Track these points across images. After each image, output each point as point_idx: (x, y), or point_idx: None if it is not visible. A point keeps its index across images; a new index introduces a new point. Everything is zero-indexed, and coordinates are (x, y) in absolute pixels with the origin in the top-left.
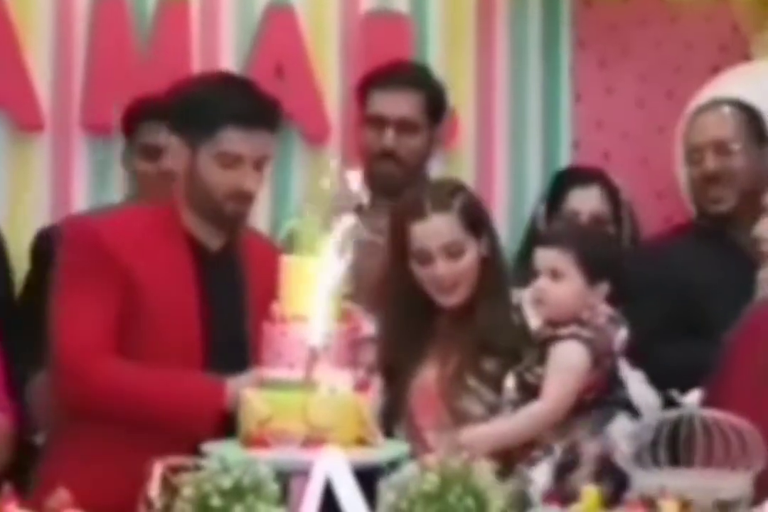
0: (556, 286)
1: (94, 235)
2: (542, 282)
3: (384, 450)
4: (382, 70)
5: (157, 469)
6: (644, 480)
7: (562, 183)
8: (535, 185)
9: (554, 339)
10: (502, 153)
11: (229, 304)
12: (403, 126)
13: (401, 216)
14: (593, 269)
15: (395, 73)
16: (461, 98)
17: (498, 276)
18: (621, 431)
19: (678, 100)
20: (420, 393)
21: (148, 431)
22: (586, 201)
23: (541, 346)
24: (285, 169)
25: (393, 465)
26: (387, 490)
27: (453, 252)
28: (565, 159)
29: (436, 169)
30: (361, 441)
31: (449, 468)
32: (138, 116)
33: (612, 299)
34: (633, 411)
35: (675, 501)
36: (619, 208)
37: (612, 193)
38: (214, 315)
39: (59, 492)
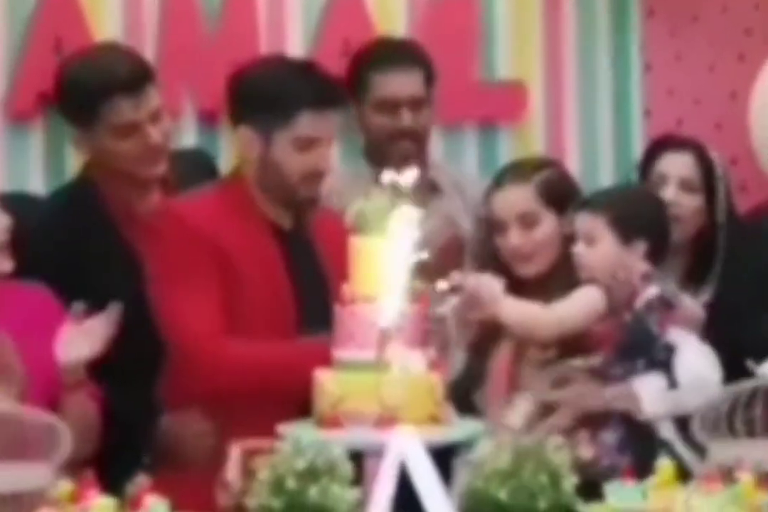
0: (591, 250)
1: (190, 222)
2: (578, 247)
3: (457, 428)
4: (376, 51)
5: (235, 452)
6: (721, 451)
7: (656, 149)
8: (607, 156)
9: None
10: (573, 124)
11: (311, 281)
12: (416, 103)
13: (487, 188)
14: (627, 229)
15: (393, 52)
16: (530, 71)
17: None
18: (651, 387)
19: (750, 63)
20: (498, 366)
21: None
22: (675, 166)
23: None
24: (353, 149)
25: (467, 443)
26: (462, 469)
27: (527, 222)
28: (637, 128)
29: (507, 145)
30: (435, 420)
31: (523, 446)
32: (102, 94)
33: (651, 256)
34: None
35: (752, 472)
36: (713, 180)
37: (706, 164)
38: (302, 292)
39: (139, 478)
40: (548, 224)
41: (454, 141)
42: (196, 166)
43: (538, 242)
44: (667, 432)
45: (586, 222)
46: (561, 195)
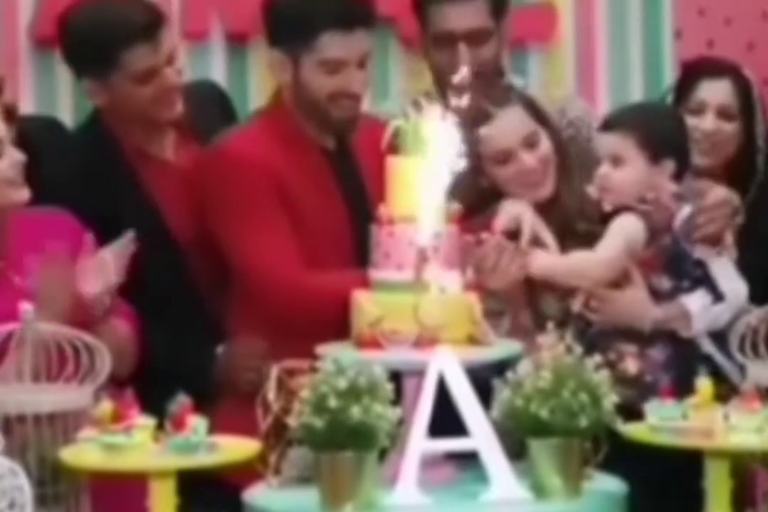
0: (618, 171)
1: (247, 158)
2: (604, 169)
3: (496, 348)
4: None
5: (274, 372)
6: (759, 371)
7: (691, 74)
8: (637, 77)
9: (613, 214)
10: (603, 45)
11: (360, 203)
12: (475, 37)
13: (469, 125)
14: (655, 149)
15: None
16: None
17: (572, 165)
18: (698, 305)
19: None
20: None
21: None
22: (715, 93)
23: (603, 225)
24: (384, 72)
25: (508, 363)
26: (502, 388)
27: (531, 142)
28: (667, 49)
29: (537, 65)
30: (473, 340)
31: (563, 365)
32: (120, 43)
33: (678, 176)
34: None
35: None
36: (752, 104)
37: (745, 88)
38: (355, 215)
39: (181, 398)
40: (545, 140)
41: None
42: (205, 100)
43: (546, 159)
44: (708, 346)
45: (612, 143)
46: (539, 109)
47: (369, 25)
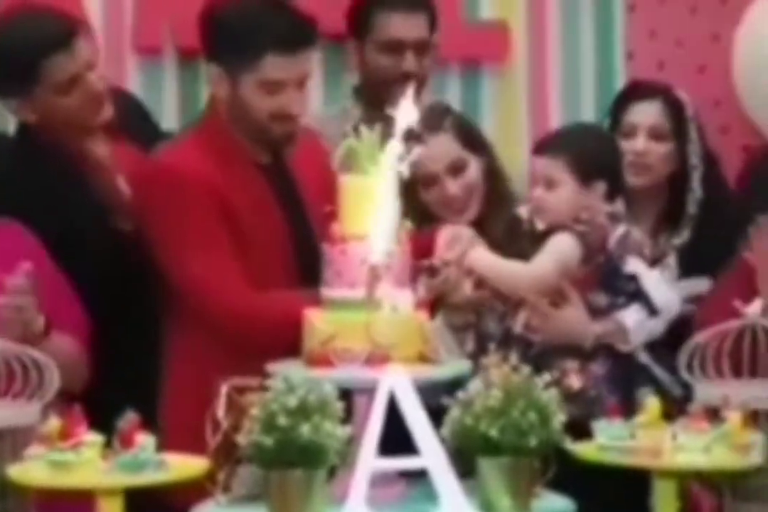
0: (551, 194)
1: (184, 173)
2: (538, 191)
3: (446, 366)
4: None
5: (223, 390)
6: (707, 391)
7: (623, 98)
8: (589, 98)
9: (548, 234)
10: (556, 66)
11: (299, 218)
12: (420, 47)
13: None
14: (586, 171)
15: None
16: (513, 11)
17: (501, 190)
18: (634, 320)
19: (731, 5)
20: None
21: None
22: (645, 114)
23: (538, 245)
24: (335, 88)
25: (458, 382)
26: (452, 406)
27: (457, 168)
28: (619, 70)
29: (490, 85)
30: (424, 359)
31: (513, 384)
32: (38, 56)
33: (611, 196)
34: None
35: (739, 411)
36: (684, 124)
37: (676, 108)
38: (295, 231)
39: (129, 415)
40: (474, 167)
41: (437, 81)
42: (125, 106)
43: (471, 186)
44: (644, 357)
45: (544, 166)
46: (473, 135)
47: (312, 46)
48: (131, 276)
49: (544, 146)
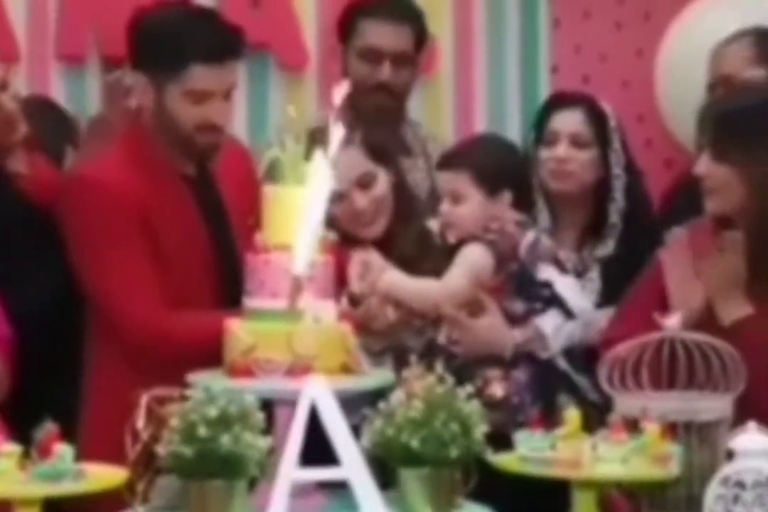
0: (458, 208)
1: (105, 185)
2: (445, 206)
3: (369, 378)
4: (370, 0)
5: (143, 400)
6: (626, 402)
7: (546, 108)
8: (514, 111)
9: (460, 246)
10: (482, 80)
11: (223, 231)
12: (400, 59)
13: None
14: (492, 182)
15: (386, 3)
16: (440, 26)
17: (410, 203)
18: (551, 325)
19: (655, 21)
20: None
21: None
22: (566, 122)
23: (451, 258)
24: (262, 97)
25: (380, 393)
26: (373, 417)
27: (365, 183)
28: (544, 84)
29: (415, 98)
30: (346, 370)
31: (435, 395)
32: None
33: (518, 204)
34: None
35: (657, 423)
36: (606, 133)
37: (599, 117)
38: (219, 244)
39: (47, 425)
40: (382, 180)
41: None
42: (43, 114)
43: (379, 200)
44: (563, 364)
45: (449, 180)
46: (381, 148)
47: (238, 57)
48: (54, 288)
49: (447, 161)
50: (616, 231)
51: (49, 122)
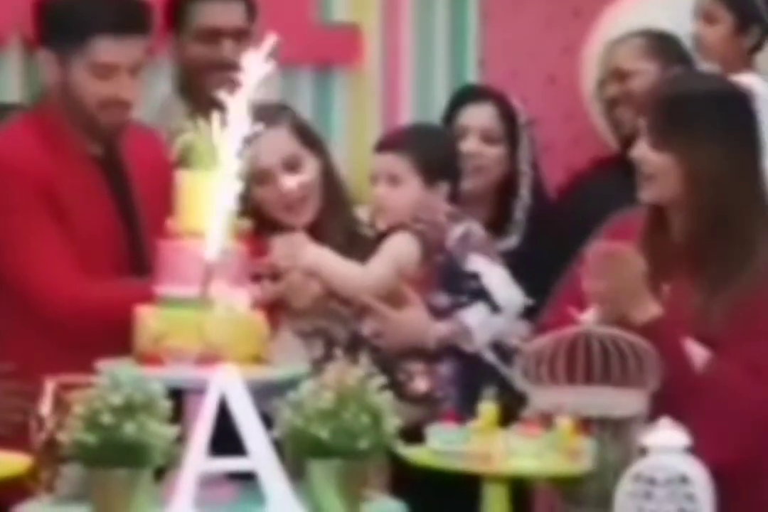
0: (394, 192)
1: (10, 162)
2: (380, 189)
3: (280, 368)
4: None
5: (49, 387)
6: (541, 397)
7: (456, 101)
8: (441, 104)
9: (386, 234)
10: (408, 72)
11: (131, 211)
12: (238, 35)
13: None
14: (431, 171)
15: None
16: (367, 14)
17: (339, 192)
18: (477, 319)
19: (584, 19)
20: None
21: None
22: (477, 117)
23: (377, 245)
24: None
25: (292, 383)
26: (283, 408)
27: (292, 164)
28: (471, 78)
29: (342, 87)
30: (258, 360)
31: (346, 386)
32: None
33: (452, 197)
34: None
35: (571, 418)
36: (515, 129)
37: (508, 113)
38: (127, 225)
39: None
40: (311, 165)
41: (289, 82)
42: None
43: (307, 185)
44: (490, 357)
45: (389, 163)
46: (310, 134)
47: (144, 33)
48: None
49: (388, 143)
50: (520, 226)
51: None
